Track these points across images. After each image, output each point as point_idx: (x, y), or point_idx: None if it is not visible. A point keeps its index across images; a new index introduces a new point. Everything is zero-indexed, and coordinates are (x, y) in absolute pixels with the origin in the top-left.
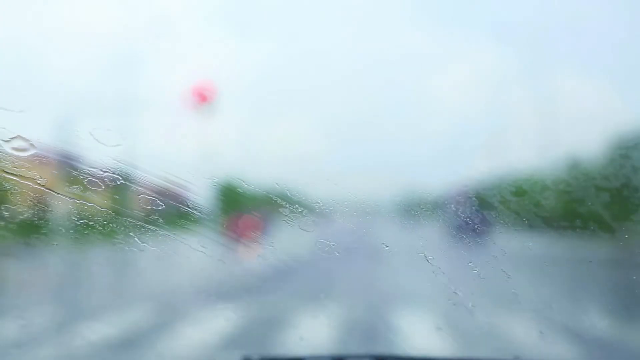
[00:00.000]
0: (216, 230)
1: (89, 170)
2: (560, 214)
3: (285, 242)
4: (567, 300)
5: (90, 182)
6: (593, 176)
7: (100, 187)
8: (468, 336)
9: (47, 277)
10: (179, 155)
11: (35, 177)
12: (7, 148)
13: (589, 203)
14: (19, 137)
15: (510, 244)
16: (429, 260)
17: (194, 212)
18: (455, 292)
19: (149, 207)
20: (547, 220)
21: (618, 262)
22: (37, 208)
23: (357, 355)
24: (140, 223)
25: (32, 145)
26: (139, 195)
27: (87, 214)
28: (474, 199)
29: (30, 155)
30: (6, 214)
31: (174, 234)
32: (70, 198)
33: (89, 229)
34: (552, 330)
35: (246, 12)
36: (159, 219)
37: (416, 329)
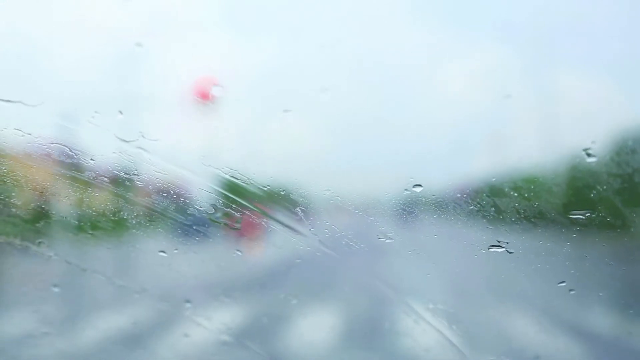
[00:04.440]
0: (223, 225)
1: (93, 164)
2: (572, 200)
3: (291, 235)
4: (583, 295)
5: (98, 173)
6: (604, 163)
7: (107, 179)
8: (482, 334)
9: (58, 266)
10: (184, 152)
11: (47, 166)
12: (22, 138)
13: (601, 189)
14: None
15: (521, 234)
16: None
17: (200, 206)
18: (464, 289)
19: (154, 203)
20: (560, 208)
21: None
22: (48, 196)
23: None
24: (146, 217)
25: (42, 136)
26: (143, 190)
27: (97, 203)
28: (483, 189)
29: (42, 145)
30: (19, 201)
31: (180, 228)
32: (80, 187)
33: (99, 217)
34: (565, 327)
35: (250, 10)
36: (165, 213)
37: (427, 327)
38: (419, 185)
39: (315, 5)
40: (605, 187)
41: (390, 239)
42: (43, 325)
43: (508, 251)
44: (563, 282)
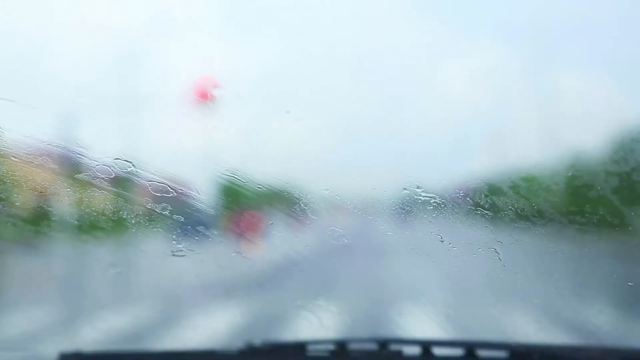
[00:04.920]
0: (222, 225)
1: (93, 164)
2: (570, 199)
3: (290, 235)
4: (582, 293)
5: (97, 173)
6: (603, 162)
7: (107, 179)
8: (474, 322)
9: (58, 266)
10: (184, 152)
11: (47, 166)
12: (23, 138)
13: (599, 188)
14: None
15: (520, 233)
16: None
17: (199, 207)
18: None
19: (153, 203)
20: (559, 207)
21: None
22: (48, 196)
23: (361, 339)
24: (146, 217)
25: (42, 136)
26: (143, 190)
27: (96, 203)
28: (482, 188)
29: (42, 145)
30: (19, 201)
31: (180, 228)
32: (80, 187)
33: (99, 218)
34: (565, 326)
35: (250, 10)
36: (165, 213)
37: (422, 316)
38: (419, 184)
39: (315, 5)
40: (604, 186)
41: (390, 237)
42: (43, 325)
43: (507, 250)
44: (562, 280)
